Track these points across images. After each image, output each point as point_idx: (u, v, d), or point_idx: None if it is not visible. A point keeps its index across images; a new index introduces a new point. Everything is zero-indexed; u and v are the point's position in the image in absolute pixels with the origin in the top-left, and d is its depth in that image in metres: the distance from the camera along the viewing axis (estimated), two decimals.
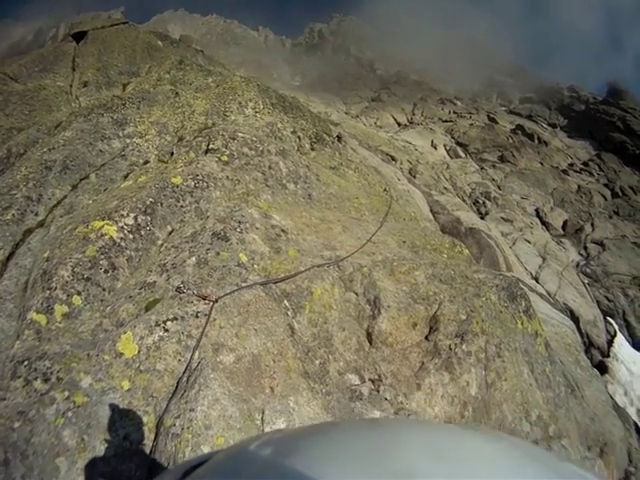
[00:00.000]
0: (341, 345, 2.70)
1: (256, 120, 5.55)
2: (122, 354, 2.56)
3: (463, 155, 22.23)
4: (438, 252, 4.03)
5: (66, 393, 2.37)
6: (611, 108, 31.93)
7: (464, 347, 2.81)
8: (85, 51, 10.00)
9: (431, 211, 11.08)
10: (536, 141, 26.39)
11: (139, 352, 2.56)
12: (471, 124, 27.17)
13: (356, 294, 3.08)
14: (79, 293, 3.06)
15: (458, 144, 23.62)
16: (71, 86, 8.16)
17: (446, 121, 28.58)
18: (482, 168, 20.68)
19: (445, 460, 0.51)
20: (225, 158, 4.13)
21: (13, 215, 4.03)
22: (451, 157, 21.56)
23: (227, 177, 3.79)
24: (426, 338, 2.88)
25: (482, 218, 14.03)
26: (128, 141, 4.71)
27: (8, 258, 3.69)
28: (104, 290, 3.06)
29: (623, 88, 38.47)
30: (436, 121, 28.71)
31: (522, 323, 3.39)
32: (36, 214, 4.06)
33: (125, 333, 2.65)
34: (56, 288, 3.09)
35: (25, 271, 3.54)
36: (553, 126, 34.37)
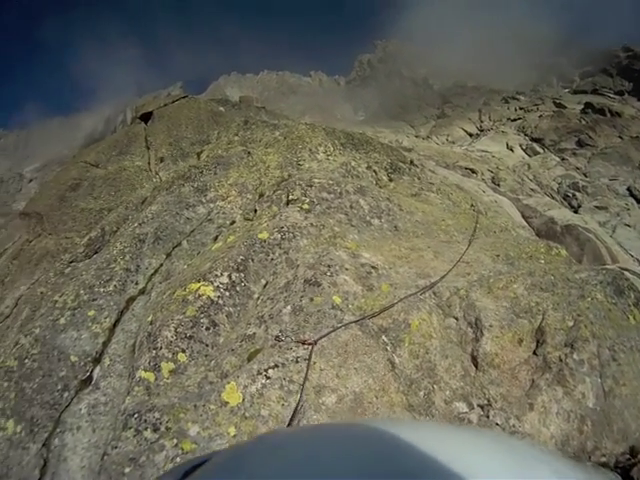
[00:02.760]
0: (445, 373, 2.95)
1: (329, 163, 6.35)
2: (227, 403, 3.05)
3: (541, 150, 23.69)
4: (535, 259, 4.22)
5: (175, 441, 2.87)
6: None
7: (575, 356, 2.91)
8: (155, 129, 11.93)
9: (523, 216, 11.77)
10: (608, 115, 26.77)
11: (243, 400, 3.03)
12: (540, 116, 29.29)
13: (456, 319, 3.35)
14: (183, 351, 3.70)
15: (533, 140, 25.34)
16: (149, 163, 9.85)
17: (515, 119, 31.24)
18: (563, 159, 21.70)
19: (443, 461, 0.56)
20: (306, 206, 4.82)
21: (115, 286, 4.98)
22: (529, 155, 23.01)
23: (311, 224, 4.43)
24: (534, 353, 3.03)
25: (575, 212, 14.62)
26: (212, 205, 5.67)
27: (114, 325, 4.56)
28: (207, 346, 3.68)
29: None
30: (505, 122, 31.52)
31: (634, 317, 3.42)
32: (136, 283, 4.98)
33: (229, 383, 3.17)
34: (161, 348, 3.77)
35: (131, 335, 4.36)
36: (620, 94, 35.70)
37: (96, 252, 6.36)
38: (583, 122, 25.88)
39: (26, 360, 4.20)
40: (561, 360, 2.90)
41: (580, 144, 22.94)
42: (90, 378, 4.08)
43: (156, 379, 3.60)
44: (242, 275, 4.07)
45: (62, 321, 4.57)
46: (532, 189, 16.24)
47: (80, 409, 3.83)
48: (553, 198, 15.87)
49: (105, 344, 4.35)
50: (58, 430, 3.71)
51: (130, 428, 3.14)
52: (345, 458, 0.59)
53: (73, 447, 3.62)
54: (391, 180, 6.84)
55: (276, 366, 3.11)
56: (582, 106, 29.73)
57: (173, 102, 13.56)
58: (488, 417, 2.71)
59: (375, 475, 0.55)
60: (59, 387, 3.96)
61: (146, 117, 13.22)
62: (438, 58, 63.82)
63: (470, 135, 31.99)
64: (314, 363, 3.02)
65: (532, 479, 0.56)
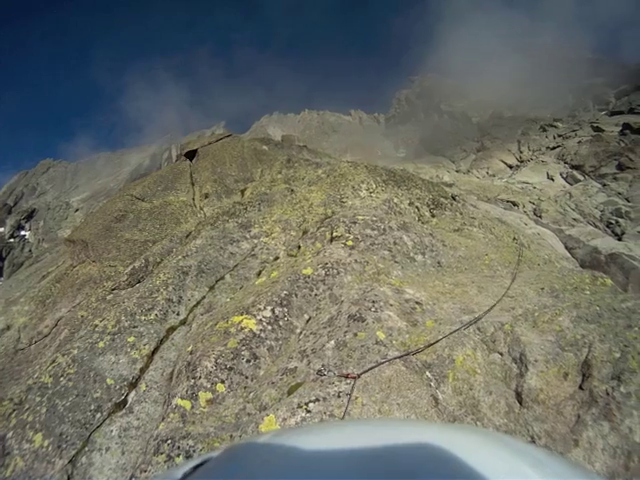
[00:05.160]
0: (489, 410, 2.99)
1: (372, 200, 6.68)
2: None
3: (581, 177, 24.43)
4: (579, 290, 4.24)
5: None
6: None
7: (622, 389, 2.91)
8: (199, 166, 12.62)
9: (566, 247, 12.07)
10: None
11: None
12: (579, 142, 29.98)
13: (500, 354, 3.41)
14: (223, 381, 3.85)
15: (573, 167, 26.30)
16: (194, 199, 10.41)
17: (554, 147, 32.40)
18: (604, 185, 22.20)
19: (441, 460, 0.59)
20: (350, 243, 5.05)
21: (156, 315, 5.25)
22: (570, 184, 23.75)
23: (355, 260, 4.62)
24: (580, 387, 3.04)
25: (619, 239, 14.75)
26: (256, 241, 6.00)
27: (153, 352, 4.79)
28: (247, 378, 3.82)
29: None
30: (544, 151, 32.81)
31: None
32: (178, 314, 5.24)
33: (268, 416, 3.26)
34: (200, 377, 3.94)
35: (170, 363, 4.57)
36: None
37: (139, 281, 6.73)
38: (622, 144, 26.16)
39: (61, 378, 4.48)
40: (608, 394, 2.91)
41: (620, 167, 23.19)
42: (124, 402, 4.29)
43: (192, 407, 3.75)
44: (285, 310, 4.27)
45: (101, 345, 4.87)
46: (574, 219, 16.58)
47: (111, 430, 4.03)
48: (596, 226, 16.11)
49: (142, 370, 4.58)
50: (87, 449, 3.91)
51: (162, 453, 3.27)
52: (344, 457, 0.62)
53: (100, 467, 3.78)
54: (433, 216, 7.12)
55: (317, 400, 3.19)
56: (620, 128, 30.06)
57: (217, 140, 14.44)
58: None
59: (374, 475, 0.56)
60: (92, 407, 4.19)
61: (191, 155, 14.10)
62: (475, 90, 67.85)
63: (510, 167, 33.86)
64: (356, 398, 3.09)
65: (525, 476, 0.58)
